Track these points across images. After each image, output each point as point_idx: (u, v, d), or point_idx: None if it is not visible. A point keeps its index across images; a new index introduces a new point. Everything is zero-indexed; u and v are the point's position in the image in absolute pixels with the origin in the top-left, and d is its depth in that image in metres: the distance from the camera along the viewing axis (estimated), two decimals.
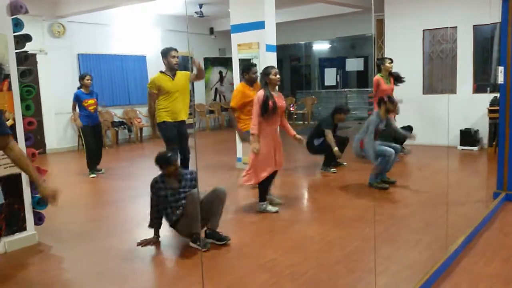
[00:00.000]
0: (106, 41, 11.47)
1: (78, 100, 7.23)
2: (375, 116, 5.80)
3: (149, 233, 4.23)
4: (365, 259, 3.60)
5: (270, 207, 5.05)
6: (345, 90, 14.90)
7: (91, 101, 7.29)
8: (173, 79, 5.59)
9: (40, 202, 4.33)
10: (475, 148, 8.32)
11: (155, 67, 12.52)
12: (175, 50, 5.64)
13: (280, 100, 4.97)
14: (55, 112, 10.35)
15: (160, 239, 4.19)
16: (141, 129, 11.82)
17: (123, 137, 11.60)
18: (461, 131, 8.42)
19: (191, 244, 4.02)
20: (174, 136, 5.58)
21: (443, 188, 5.54)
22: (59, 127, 10.53)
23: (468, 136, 8.37)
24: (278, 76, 4.93)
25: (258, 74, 5.60)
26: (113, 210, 5.59)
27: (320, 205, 5.19)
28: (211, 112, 14.50)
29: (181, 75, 5.71)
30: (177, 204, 4.03)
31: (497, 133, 5.35)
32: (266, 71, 4.93)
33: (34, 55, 9.64)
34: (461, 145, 8.43)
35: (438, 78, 9.17)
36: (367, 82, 14.18)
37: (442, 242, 3.72)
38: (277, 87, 5.04)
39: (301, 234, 4.32)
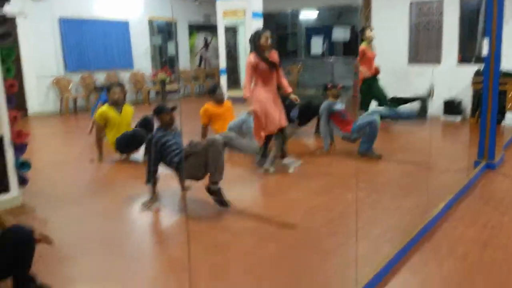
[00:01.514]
0: (88, 5, 11.14)
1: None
2: (326, 104, 5.99)
3: (140, 193, 4.23)
4: (347, 224, 3.67)
5: (267, 166, 5.12)
6: (331, 59, 14.84)
7: None
8: (119, 113, 5.88)
9: (23, 164, 4.29)
10: (458, 118, 8.42)
11: (138, 32, 12.37)
12: (117, 86, 5.98)
13: (273, 56, 4.99)
14: (36, 75, 10.13)
15: (159, 202, 4.16)
16: (125, 93, 11.64)
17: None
18: (444, 101, 8.50)
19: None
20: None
21: (425, 157, 5.63)
22: (41, 91, 10.32)
23: (451, 107, 8.45)
24: (268, 41, 4.88)
25: (224, 96, 6.41)
26: (99, 172, 5.58)
27: (306, 172, 5.24)
28: (196, 78, 14.35)
29: (127, 108, 6.06)
30: (178, 146, 4.13)
31: (480, 103, 5.41)
32: (257, 36, 4.88)
33: (13, 19, 9.36)
34: (444, 114, 8.53)
35: (423, 49, 9.17)
36: (353, 50, 14.11)
37: (423, 208, 3.81)
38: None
39: (287, 200, 4.38)
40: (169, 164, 4.15)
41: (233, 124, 6.18)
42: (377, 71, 7.54)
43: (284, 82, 5.22)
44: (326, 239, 3.42)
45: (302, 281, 2.78)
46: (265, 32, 4.90)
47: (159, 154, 4.13)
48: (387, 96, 7.55)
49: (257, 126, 5.10)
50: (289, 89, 5.23)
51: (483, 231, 3.48)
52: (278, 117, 5.02)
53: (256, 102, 4.93)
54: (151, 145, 4.13)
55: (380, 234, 3.49)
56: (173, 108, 4.37)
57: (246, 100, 4.98)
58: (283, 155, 5.38)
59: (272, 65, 4.93)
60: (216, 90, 6.36)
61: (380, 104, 7.55)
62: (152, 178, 4.13)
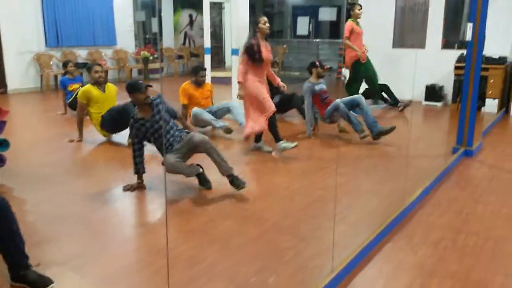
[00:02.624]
0: None
1: (63, 86, 7.52)
2: (307, 86, 6.01)
3: (121, 175, 4.22)
4: (326, 207, 3.73)
5: (289, 144, 5.08)
6: (317, 40, 14.78)
7: (76, 86, 7.47)
8: (103, 92, 5.87)
9: (2, 143, 4.24)
10: (439, 104, 8.51)
11: (121, 7, 12.12)
12: (99, 65, 5.99)
13: (267, 50, 5.10)
14: (17, 51, 9.91)
15: (144, 183, 4.14)
16: (106, 72, 11.47)
17: (87, 79, 11.26)
18: (426, 86, 8.57)
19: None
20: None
21: (406, 142, 5.70)
22: (21, 67, 10.11)
23: (433, 92, 8.54)
24: (267, 25, 5.04)
25: (205, 78, 6.34)
26: (80, 153, 5.53)
27: (287, 156, 5.26)
28: (180, 57, 14.18)
29: (111, 87, 6.04)
30: (159, 133, 3.97)
31: (461, 89, 5.47)
32: (255, 20, 5.09)
33: None
34: (425, 100, 8.61)
35: (408, 32, 9.19)
36: (339, 33, 14.08)
37: (400, 194, 3.87)
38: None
39: (267, 183, 4.42)
40: (157, 149, 4.19)
41: (217, 109, 6.29)
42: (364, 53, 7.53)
43: (272, 74, 5.39)
44: (305, 224, 3.47)
45: (279, 265, 2.83)
46: (262, 17, 5.07)
47: (142, 144, 4.09)
48: (377, 79, 7.60)
49: (249, 112, 5.14)
50: (277, 80, 5.39)
51: (457, 217, 3.56)
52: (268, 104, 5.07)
53: (249, 88, 5.03)
54: (133, 129, 4.04)
55: (358, 219, 3.55)
56: (148, 86, 4.03)
57: (240, 83, 5.05)
58: (277, 138, 5.27)
59: (259, 59, 5.00)
60: (199, 72, 6.23)
61: (370, 88, 7.60)
62: (137, 168, 4.08)
